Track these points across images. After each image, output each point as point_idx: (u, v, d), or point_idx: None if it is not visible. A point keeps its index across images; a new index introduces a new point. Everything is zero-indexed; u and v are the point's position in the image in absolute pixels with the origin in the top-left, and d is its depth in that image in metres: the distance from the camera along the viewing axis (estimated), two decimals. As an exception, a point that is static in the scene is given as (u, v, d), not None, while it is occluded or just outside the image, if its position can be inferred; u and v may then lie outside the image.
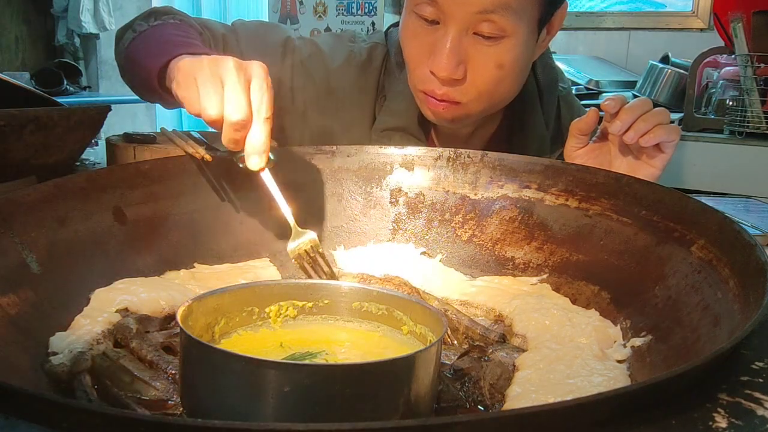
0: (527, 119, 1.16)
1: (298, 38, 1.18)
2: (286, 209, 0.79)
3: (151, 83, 0.93)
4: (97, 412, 0.39)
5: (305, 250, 0.79)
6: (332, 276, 0.80)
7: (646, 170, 0.94)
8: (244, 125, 0.73)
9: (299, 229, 0.80)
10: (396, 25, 1.23)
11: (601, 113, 0.98)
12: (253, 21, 1.21)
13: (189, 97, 0.76)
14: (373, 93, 1.16)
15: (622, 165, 0.96)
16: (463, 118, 1.05)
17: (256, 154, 0.74)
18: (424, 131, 1.13)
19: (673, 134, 0.91)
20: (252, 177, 0.88)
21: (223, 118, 0.72)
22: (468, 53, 0.97)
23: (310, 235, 0.80)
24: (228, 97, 0.72)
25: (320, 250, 0.80)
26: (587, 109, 1.06)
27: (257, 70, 0.74)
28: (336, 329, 0.64)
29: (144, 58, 0.96)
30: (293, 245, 0.80)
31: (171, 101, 0.91)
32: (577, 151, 1.00)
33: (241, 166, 0.84)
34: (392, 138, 1.11)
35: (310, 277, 0.79)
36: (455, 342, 0.70)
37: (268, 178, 0.78)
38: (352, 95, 1.15)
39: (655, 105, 0.94)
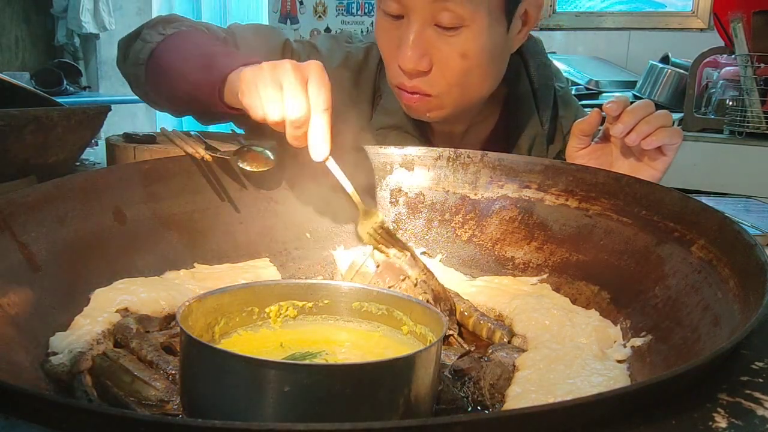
0: (522, 118, 1.17)
1: (296, 41, 1.20)
2: (353, 193, 0.82)
3: (207, 98, 0.94)
4: (97, 412, 0.39)
5: (374, 229, 0.82)
6: (406, 248, 0.80)
7: (647, 172, 0.94)
8: (304, 122, 0.76)
9: (366, 209, 0.83)
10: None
11: (603, 114, 0.98)
12: (249, 24, 1.22)
13: (253, 104, 0.80)
14: (370, 92, 1.18)
15: (624, 167, 0.96)
16: (439, 110, 1.06)
17: (317, 145, 0.77)
18: (420, 129, 1.14)
19: (675, 137, 0.91)
20: (251, 177, 0.88)
21: (284, 119, 0.76)
22: (432, 45, 0.99)
23: (378, 215, 0.84)
24: (287, 98, 0.76)
25: (386, 227, 0.83)
26: (586, 109, 1.06)
27: (314, 68, 0.77)
28: (336, 329, 0.64)
29: (189, 72, 0.98)
30: (363, 227, 0.83)
31: (217, 114, 0.96)
32: (579, 152, 1.01)
33: (240, 166, 0.85)
34: (388, 136, 1.12)
35: (386, 254, 0.80)
36: (459, 339, 0.71)
37: (333, 166, 0.80)
38: (350, 95, 1.16)
39: (656, 105, 0.94)
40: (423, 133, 1.16)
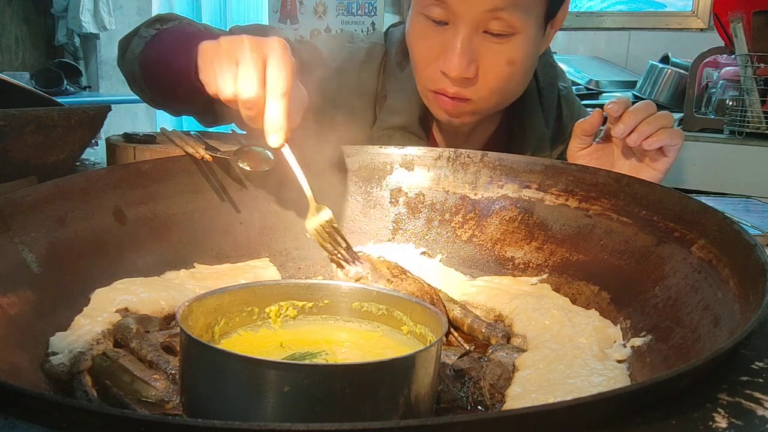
0: (527, 118, 1.17)
1: (297, 41, 1.19)
2: (305, 185, 0.78)
3: (188, 83, 0.91)
4: (97, 412, 0.39)
5: (321, 226, 0.78)
6: (350, 248, 0.78)
7: (648, 173, 0.94)
8: (255, 102, 0.72)
9: (317, 205, 0.79)
10: (395, 25, 1.24)
11: (604, 114, 0.98)
12: (249, 25, 1.21)
13: (207, 79, 0.77)
14: (372, 93, 1.17)
15: (625, 167, 0.96)
16: (474, 115, 1.06)
17: (273, 131, 0.73)
18: (424, 129, 1.14)
19: (676, 138, 0.91)
20: (251, 177, 0.88)
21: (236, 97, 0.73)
22: (479, 52, 0.98)
23: (327, 212, 0.79)
24: (240, 75, 0.72)
25: (335, 225, 0.79)
26: (588, 109, 1.06)
27: (274, 46, 0.73)
28: (336, 329, 0.64)
29: (173, 60, 0.96)
30: (311, 222, 0.78)
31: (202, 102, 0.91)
32: (581, 152, 1.01)
33: (240, 166, 0.84)
34: (393, 136, 1.12)
35: (329, 252, 0.77)
36: (460, 339, 0.71)
37: (288, 155, 0.77)
38: (352, 95, 1.15)
39: (656, 105, 0.94)
40: (428, 133, 1.16)
